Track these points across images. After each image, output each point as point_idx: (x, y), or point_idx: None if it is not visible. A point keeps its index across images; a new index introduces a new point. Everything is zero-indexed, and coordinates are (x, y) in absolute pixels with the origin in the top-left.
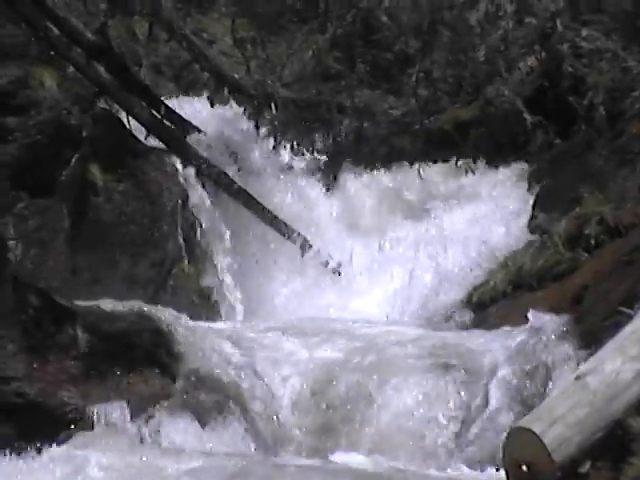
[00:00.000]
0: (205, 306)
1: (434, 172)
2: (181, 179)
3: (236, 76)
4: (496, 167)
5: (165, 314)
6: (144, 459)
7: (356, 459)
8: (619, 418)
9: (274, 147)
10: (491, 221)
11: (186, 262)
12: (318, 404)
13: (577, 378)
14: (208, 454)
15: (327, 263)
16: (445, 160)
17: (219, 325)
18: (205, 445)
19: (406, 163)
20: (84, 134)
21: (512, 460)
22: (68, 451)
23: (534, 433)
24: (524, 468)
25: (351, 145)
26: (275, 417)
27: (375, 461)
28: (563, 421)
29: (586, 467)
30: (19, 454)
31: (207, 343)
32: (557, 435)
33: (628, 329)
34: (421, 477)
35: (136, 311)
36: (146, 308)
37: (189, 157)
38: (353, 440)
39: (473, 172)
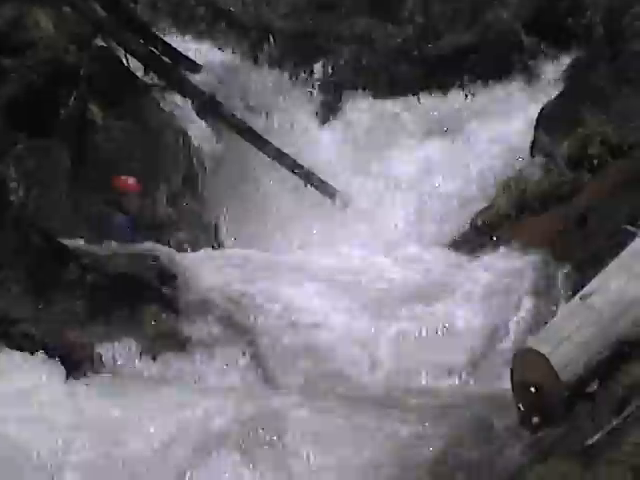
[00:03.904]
0: (208, 239)
1: (433, 98)
2: (181, 115)
3: (232, 9)
4: (495, 91)
5: (166, 249)
6: None
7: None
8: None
9: (274, 79)
10: (492, 145)
11: (188, 197)
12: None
13: (582, 298)
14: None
15: (331, 194)
16: (444, 86)
17: (221, 254)
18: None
19: (406, 89)
20: (82, 73)
21: (520, 382)
22: None
23: (541, 354)
24: (532, 390)
25: (350, 74)
26: (280, 351)
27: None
28: (569, 341)
29: (594, 387)
30: None
31: (211, 276)
32: (564, 355)
33: (632, 247)
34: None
35: (138, 248)
36: (147, 245)
37: (189, 93)
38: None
39: (473, 96)
